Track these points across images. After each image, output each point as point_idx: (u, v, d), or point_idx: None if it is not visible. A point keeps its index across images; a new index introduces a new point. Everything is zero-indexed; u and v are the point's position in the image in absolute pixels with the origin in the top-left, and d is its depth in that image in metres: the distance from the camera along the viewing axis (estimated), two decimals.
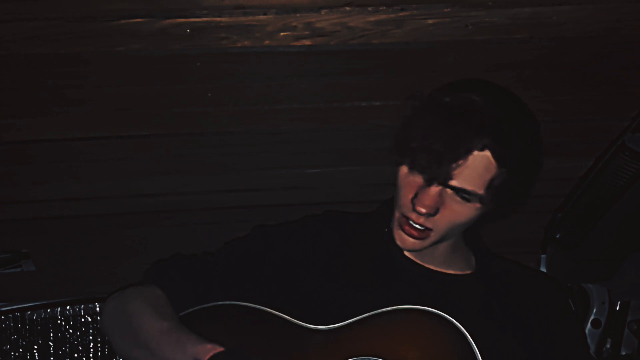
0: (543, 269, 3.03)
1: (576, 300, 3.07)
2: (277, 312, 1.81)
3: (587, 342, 1.98)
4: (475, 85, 1.73)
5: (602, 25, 1.87)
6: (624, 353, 3.03)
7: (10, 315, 3.15)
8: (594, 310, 3.05)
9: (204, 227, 2.82)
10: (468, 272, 1.90)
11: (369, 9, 1.80)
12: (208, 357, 1.63)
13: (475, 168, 1.65)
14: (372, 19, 1.83)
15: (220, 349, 1.65)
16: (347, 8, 1.80)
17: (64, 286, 3.02)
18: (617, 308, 3.06)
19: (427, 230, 1.74)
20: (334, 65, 2.02)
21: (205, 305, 1.86)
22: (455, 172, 1.65)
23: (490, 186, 1.67)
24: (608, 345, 3.06)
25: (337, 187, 2.65)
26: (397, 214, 1.79)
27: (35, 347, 3.18)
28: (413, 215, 1.73)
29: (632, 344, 3.02)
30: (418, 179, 1.71)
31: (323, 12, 1.81)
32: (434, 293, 1.81)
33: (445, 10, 1.81)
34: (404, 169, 1.75)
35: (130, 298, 1.87)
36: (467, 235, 1.92)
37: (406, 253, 1.87)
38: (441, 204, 1.70)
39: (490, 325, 1.78)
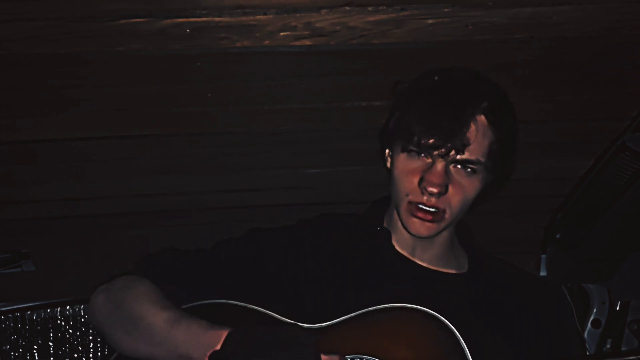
0: (543, 269, 3.03)
1: (576, 300, 3.07)
2: (267, 311, 1.80)
3: (583, 346, 1.98)
4: (449, 68, 1.82)
5: (602, 25, 1.87)
6: None
7: (10, 315, 3.15)
8: (594, 310, 3.05)
9: (204, 227, 2.82)
10: (462, 271, 1.90)
11: (369, 8, 1.80)
12: (222, 341, 1.63)
13: (477, 136, 1.72)
14: (372, 18, 1.82)
15: (227, 330, 1.65)
16: (347, 8, 1.79)
17: (64, 286, 3.02)
18: (617, 308, 3.06)
19: (441, 211, 1.75)
20: (334, 65, 2.02)
21: (195, 303, 1.84)
22: (462, 143, 1.70)
23: (490, 153, 1.75)
24: (608, 346, 3.06)
25: (337, 187, 2.65)
26: (404, 205, 1.78)
27: (35, 347, 3.18)
28: (424, 199, 1.74)
29: (632, 344, 3.01)
30: (419, 163, 1.75)
31: (323, 12, 1.80)
32: (426, 291, 1.80)
33: (445, 10, 1.81)
34: (401, 157, 1.77)
35: (123, 289, 1.84)
36: (460, 234, 1.93)
37: (400, 251, 1.87)
38: (449, 181, 1.74)
39: (482, 325, 1.77)
